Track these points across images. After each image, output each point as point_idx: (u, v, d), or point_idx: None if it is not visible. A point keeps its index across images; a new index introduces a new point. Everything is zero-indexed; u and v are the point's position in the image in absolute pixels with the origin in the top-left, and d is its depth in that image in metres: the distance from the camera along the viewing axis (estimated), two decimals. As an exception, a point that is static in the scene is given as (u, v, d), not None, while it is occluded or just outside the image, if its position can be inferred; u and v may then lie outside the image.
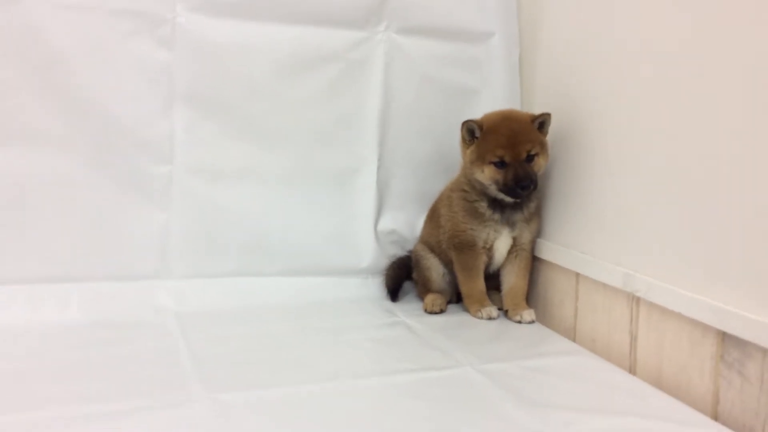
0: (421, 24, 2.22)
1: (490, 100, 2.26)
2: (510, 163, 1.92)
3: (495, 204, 2.02)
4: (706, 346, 1.48)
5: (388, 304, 2.19)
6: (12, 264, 1.91)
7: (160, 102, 2.00)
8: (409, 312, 2.10)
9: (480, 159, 1.96)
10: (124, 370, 1.59)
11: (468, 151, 2.01)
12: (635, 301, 1.70)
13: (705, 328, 1.48)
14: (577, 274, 1.93)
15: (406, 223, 2.34)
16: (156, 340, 1.79)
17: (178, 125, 2.03)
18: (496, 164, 1.94)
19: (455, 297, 2.19)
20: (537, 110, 2.08)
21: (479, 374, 1.59)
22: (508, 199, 1.98)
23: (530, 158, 1.93)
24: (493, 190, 1.98)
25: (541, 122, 1.97)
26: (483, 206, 2.02)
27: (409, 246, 2.32)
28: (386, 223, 2.32)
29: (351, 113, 2.22)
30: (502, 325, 2.01)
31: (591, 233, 1.88)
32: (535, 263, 2.12)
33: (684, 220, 1.56)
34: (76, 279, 1.96)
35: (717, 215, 1.47)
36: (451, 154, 2.23)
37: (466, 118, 2.01)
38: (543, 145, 1.96)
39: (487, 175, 1.96)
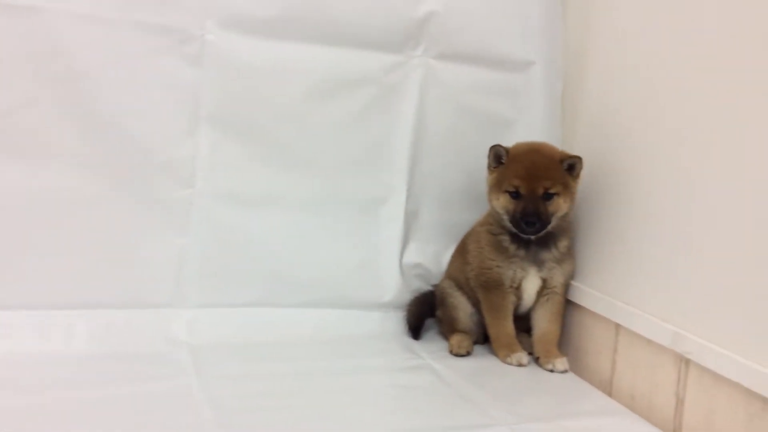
0: (459, 50, 2.11)
1: (527, 133, 2.15)
2: (524, 195, 1.84)
3: (518, 239, 1.92)
4: (766, 421, 1.37)
5: (411, 342, 2.09)
6: (16, 287, 1.80)
7: (184, 122, 1.90)
8: (433, 353, 1.99)
9: (498, 186, 1.90)
10: (133, 413, 1.48)
11: (490, 177, 1.94)
12: (684, 362, 1.59)
13: (766, 401, 1.37)
14: (617, 325, 1.82)
15: (433, 257, 2.23)
16: (170, 378, 1.68)
17: (202, 147, 1.93)
18: (511, 194, 1.87)
19: (481, 338, 2.08)
20: (578, 147, 1.99)
21: (517, 437, 1.48)
22: (521, 234, 1.89)
23: (548, 196, 1.85)
24: (505, 221, 1.90)
25: (570, 164, 1.88)
26: (506, 240, 1.94)
27: (434, 280, 2.22)
28: (412, 255, 2.21)
29: (382, 140, 2.12)
30: (533, 373, 1.90)
31: (635, 283, 1.77)
32: (568, 307, 2.01)
33: (746, 276, 1.45)
34: (84, 306, 1.85)
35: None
36: (483, 186, 2.13)
37: (498, 146, 1.94)
38: (567, 187, 1.87)
39: (501, 204, 1.89)
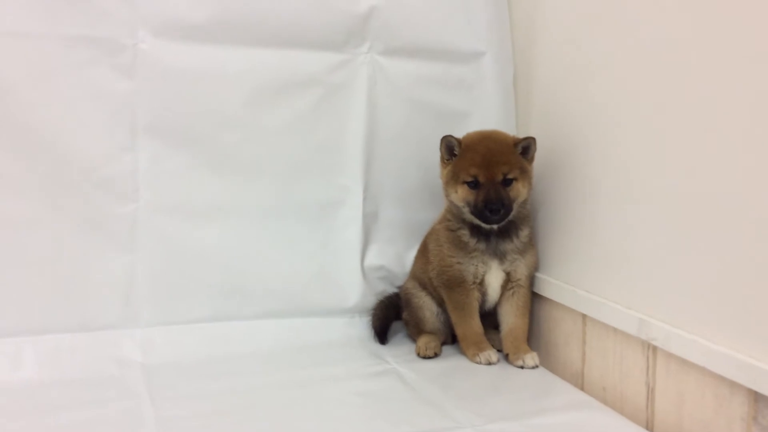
0: (406, 44, 2.06)
1: (482, 124, 2.09)
2: (483, 183, 1.78)
3: (478, 232, 1.86)
4: (735, 405, 1.32)
5: (377, 347, 2.01)
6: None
7: (121, 135, 1.83)
8: (399, 357, 1.92)
9: (455, 178, 1.83)
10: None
11: (445, 170, 1.87)
12: (651, 349, 1.53)
13: (733, 385, 1.32)
14: (584, 316, 1.76)
15: (396, 258, 2.17)
16: (121, 401, 1.60)
17: (143, 160, 1.85)
18: (469, 184, 1.81)
19: (450, 338, 2.02)
20: (533, 134, 1.92)
21: (480, 439, 1.41)
22: (484, 225, 1.83)
23: (507, 182, 1.80)
24: (467, 213, 1.83)
25: (525, 146, 1.83)
26: (465, 235, 1.87)
27: (399, 282, 2.15)
28: (374, 258, 2.14)
29: (333, 141, 2.05)
30: (502, 370, 1.84)
31: (599, 271, 1.71)
32: (535, 300, 1.95)
33: (708, 260, 1.39)
34: (31, 332, 1.78)
35: (747, 256, 1.30)
36: (440, 181, 2.07)
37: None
38: (524, 171, 1.82)
39: (460, 196, 1.83)
